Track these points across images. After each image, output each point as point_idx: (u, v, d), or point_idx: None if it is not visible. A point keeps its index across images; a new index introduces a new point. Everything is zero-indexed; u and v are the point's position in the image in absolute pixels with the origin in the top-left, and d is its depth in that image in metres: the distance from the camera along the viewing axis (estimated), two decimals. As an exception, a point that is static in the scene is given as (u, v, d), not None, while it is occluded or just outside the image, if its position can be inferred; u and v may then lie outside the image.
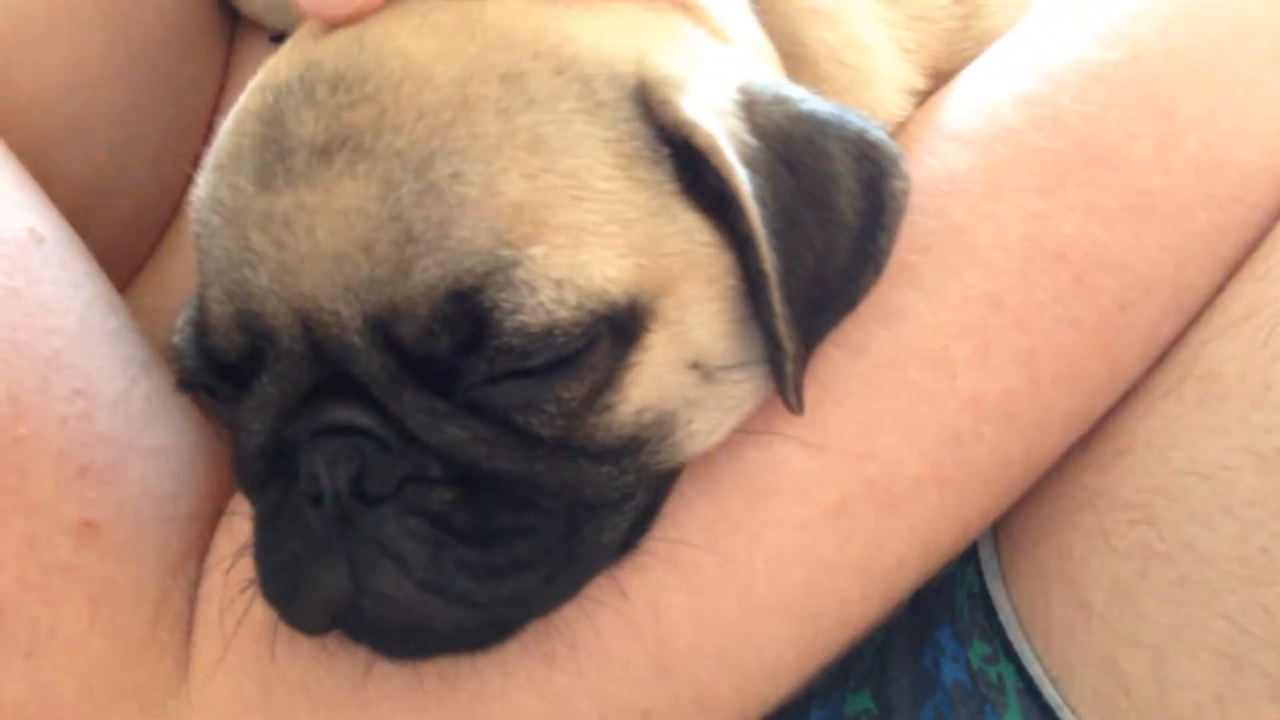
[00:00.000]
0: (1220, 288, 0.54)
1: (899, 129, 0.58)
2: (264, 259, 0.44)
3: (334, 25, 0.47)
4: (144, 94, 0.68)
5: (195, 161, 0.50)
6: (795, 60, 0.57)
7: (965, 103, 0.56)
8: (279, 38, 0.51)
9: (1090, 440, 0.56)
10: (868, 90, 0.58)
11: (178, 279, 0.69)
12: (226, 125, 0.49)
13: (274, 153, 0.45)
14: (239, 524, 0.53)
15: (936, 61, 0.61)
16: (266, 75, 0.49)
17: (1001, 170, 0.53)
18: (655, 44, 0.49)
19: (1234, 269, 0.54)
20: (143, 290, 0.70)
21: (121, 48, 0.66)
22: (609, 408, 0.46)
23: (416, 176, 0.43)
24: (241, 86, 0.50)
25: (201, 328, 0.47)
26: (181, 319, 0.48)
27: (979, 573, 0.61)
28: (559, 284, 0.43)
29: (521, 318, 0.43)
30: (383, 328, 0.43)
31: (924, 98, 0.59)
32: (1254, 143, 0.53)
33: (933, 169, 0.54)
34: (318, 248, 0.43)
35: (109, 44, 0.65)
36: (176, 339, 0.48)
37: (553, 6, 0.48)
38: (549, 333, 0.43)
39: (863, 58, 0.58)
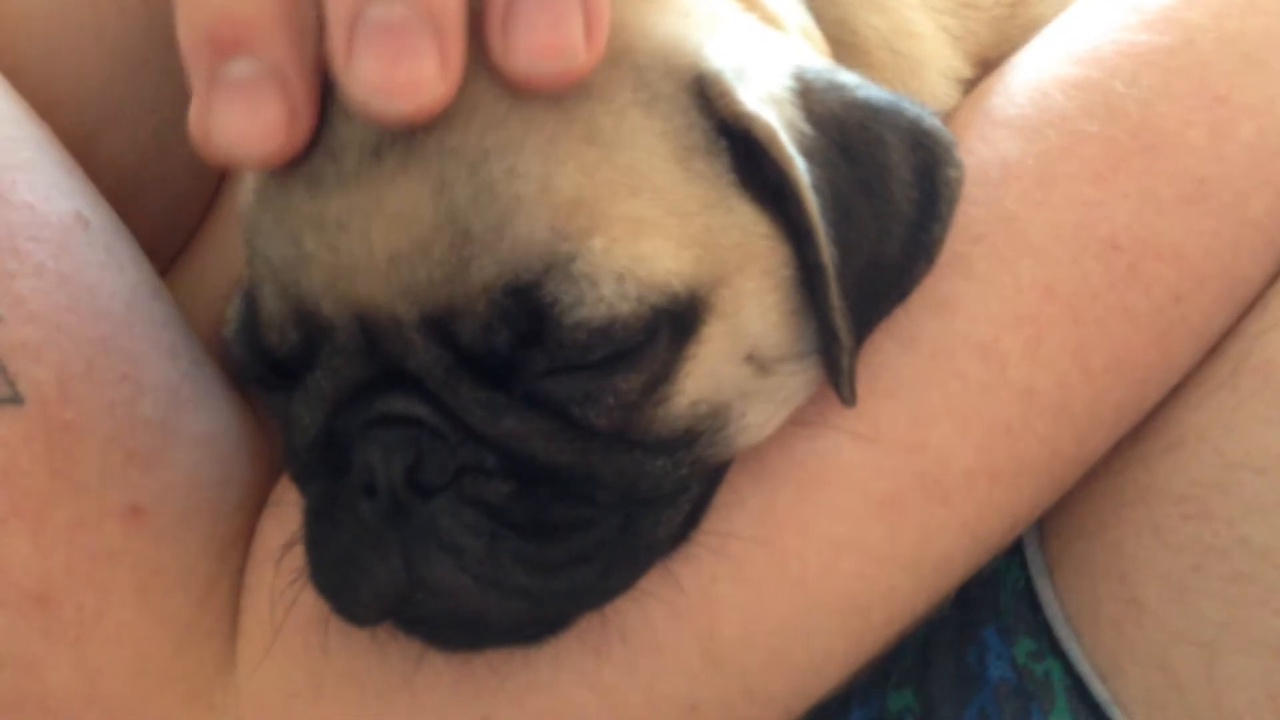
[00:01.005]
0: (1275, 277, 0.53)
1: (948, 117, 0.57)
2: (318, 262, 0.44)
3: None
4: (184, 82, 0.68)
5: None
6: (845, 47, 0.56)
7: (1015, 89, 0.55)
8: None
9: (1141, 433, 0.55)
10: (917, 78, 0.57)
11: (217, 265, 0.69)
12: None
13: (323, 153, 0.44)
14: (287, 513, 0.52)
15: (984, 49, 0.60)
16: None
17: (1053, 157, 0.52)
18: (710, 33, 0.48)
19: None
20: (182, 276, 0.69)
21: (165, 34, 0.65)
22: (665, 400, 0.45)
23: (471, 174, 0.42)
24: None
25: (253, 323, 0.46)
26: (231, 311, 0.48)
27: (1024, 568, 0.61)
28: (620, 277, 0.42)
29: (583, 312, 0.42)
30: (440, 325, 0.43)
31: (971, 86, 0.59)
32: None
33: (984, 157, 0.53)
34: (372, 250, 0.43)
35: (152, 30, 0.64)
36: (227, 332, 0.47)
37: None
38: (610, 326, 0.42)
39: (913, 45, 0.57)
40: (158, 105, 0.65)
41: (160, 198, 0.68)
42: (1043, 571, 0.60)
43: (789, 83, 0.47)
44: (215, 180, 0.71)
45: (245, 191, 0.48)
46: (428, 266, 0.42)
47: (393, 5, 0.38)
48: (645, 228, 0.43)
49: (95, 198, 0.56)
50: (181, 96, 0.68)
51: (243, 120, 0.40)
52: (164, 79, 0.64)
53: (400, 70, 0.39)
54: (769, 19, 0.52)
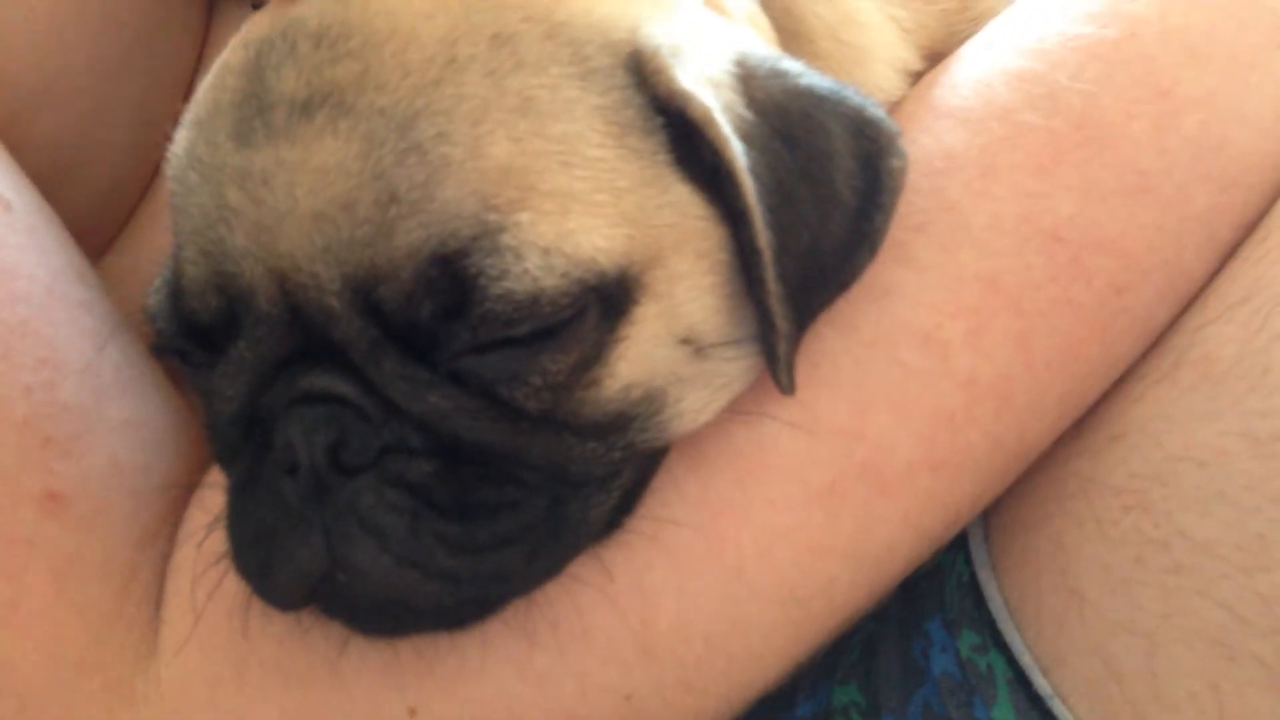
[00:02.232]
0: (1217, 271, 0.53)
1: (894, 108, 0.57)
2: (241, 216, 0.43)
3: None
4: (120, 59, 0.66)
5: (169, 130, 0.49)
6: (791, 36, 0.56)
7: (961, 81, 0.55)
8: (260, 4, 0.49)
9: (1084, 425, 0.55)
10: (864, 68, 0.57)
11: (153, 244, 0.68)
12: (207, 80, 0.47)
13: (254, 108, 0.44)
14: (212, 496, 0.51)
15: (934, 42, 0.60)
16: (249, 30, 0.48)
17: (997, 149, 0.52)
18: (651, 12, 0.48)
19: (1230, 252, 0.53)
20: (117, 260, 0.68)
21: (97, 12, 0.64)
22: (596, 382, 0.45)
23: (400, 135, 0.42)
24: (221, 52, 0.49)
25: (176, 289, 0.45)
26: (157, 281, 0.47)
27: (969, 562, 0.61)
28: (546, 251, 0.42)
29: (507, 284, 0.41)
30: (363, 291, 0.42)
31: (919, 78, 0.59)
32: (1251, 125, 0.52)
33: (928, 147, 0.53)
34: (296, 206, 0.42)
35: (84, 8, 0.63)
36: (150, 301, 0.47)
37: None
38: (535, 301, 0.42)
39: (860, 35, 0.57)
40: (90, 86, 0.64)
41: (94, 179, 0.66)
42: (986, 564, 0.60)
43: (730, 67, 0.47)
44: (153, 163, 0.70)
45: (174, 151, 0.47)
46: (351, 225, 0.42)
47: None
48: (575, 203, 0.43)
49: (19, 179, 0.55)
50: (115, 75, 0.68)
51: None
52: (96, 57, 0.63)
53: None
54: (714, 4, 0.52)
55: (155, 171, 0.71)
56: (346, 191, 0.42)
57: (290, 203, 0.42)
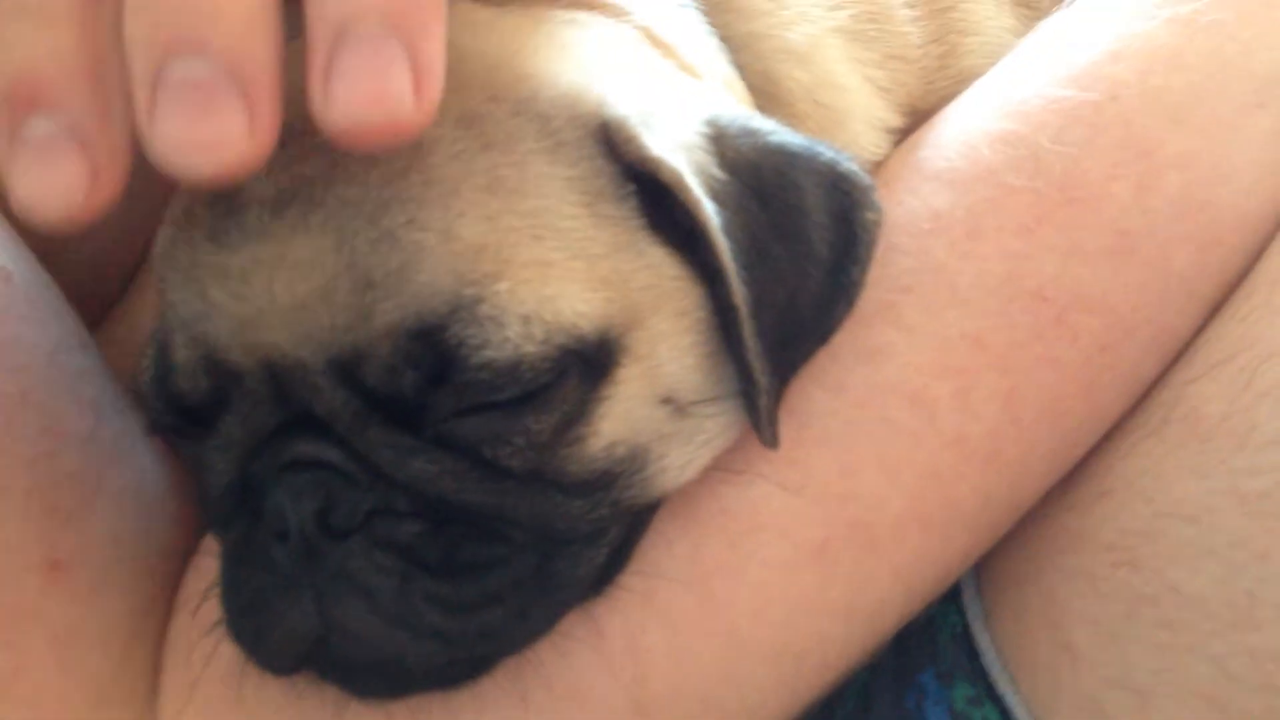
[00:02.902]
0: (1201, 329, 0.54)
1: (878, 167, 0.58)
2: (224, 312, 0.44)
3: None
4: None
5: (167, 198, 0.49)
6: (769, 99, 0.57)
7: (945, 142, 0.56)
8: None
9: (1073, 480, 0.56)
10: (843, 129, 0.58)
11: (149, 315, 0.69)
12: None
13: (226, 208, 0.44)
14: (208, 563, 0.52)
15: (914, 100, 0.61)
16: None
17: (982, 210, 0.53)
18: (619, 80, 0.48)
19: (1215, 310, 0.54)
20: (115, 328, 0.69)
21: None
22: (580, 440, 0.45)
23: (371, 225, 0.43)
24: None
25: (165, 371, 0.46)
26: (145, 361, 0.48)
27: (962, 613, 0.61)
28: (525, 318, 0.43)
29: (488, 353, 0.42)
30: (346, 370, 0.43)
31: (902, 135, 0.59)
32: (1232, 185, 0.53)
33: (913, 208, 0.54)
34: (276, 300, 0.43)
35: None
36: (141, 382, 0.47)
37: (510, 42, 0.48)
38: (516, 367, 0.43)
39: (837, 97, 0.58)
40: None
41: (90, 248, 0.67)
42: (979, 616, 0.60)
43: (701, 128, 0.48)
44: (149, 229, 0.71)
45: (157, 248, 0.48)
46: (330, 313, 0.43)
47: (194, 61, 0.36)
48: (552, 271, 0.44)
49: (18, 249, 0.56)
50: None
51: (41, 180, 0.37)
52: None
53: (203, 128, 0.36)
54: (688, 70, 0.53)
55: (149, 242, 0.72)
56: (324, 283, 0.43)
57: (270, 297, 0.43)
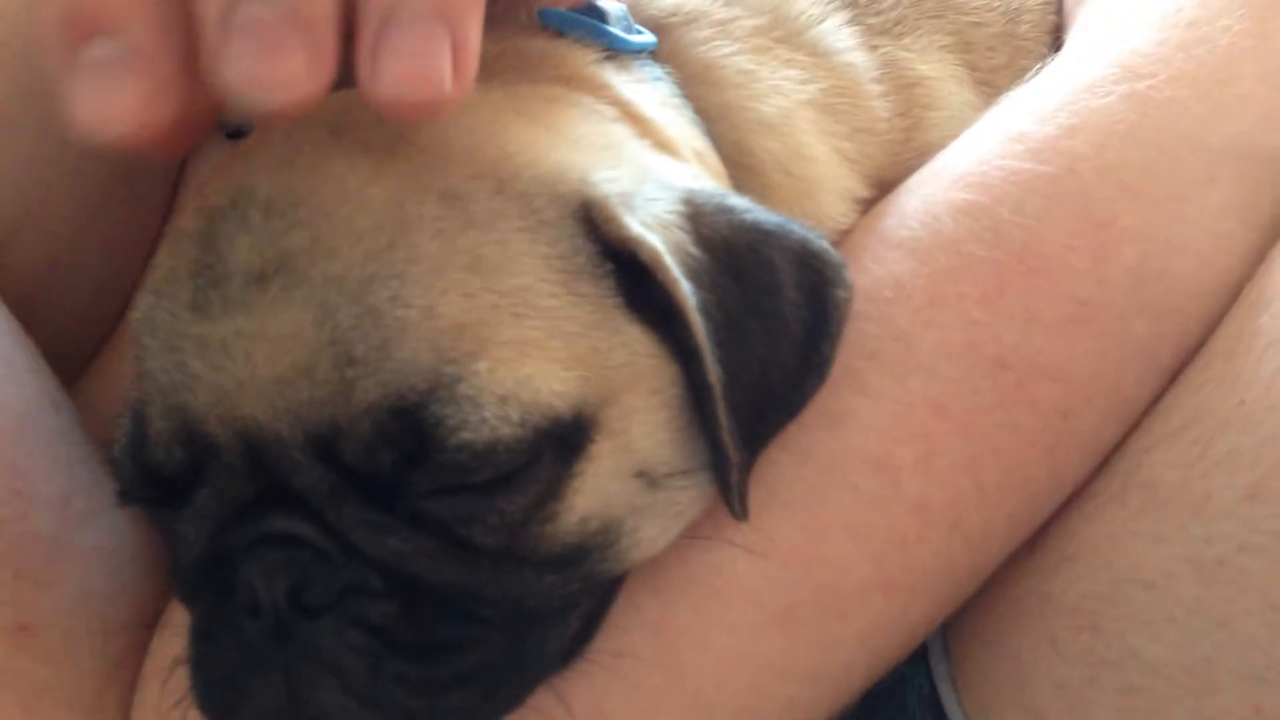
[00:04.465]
0: (1159, 397, 0.55)
1: (844, 236, 0.59)
2: (202, 383, 0.44)
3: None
4: (99, 190, 0.68)
5: (148, 257, 0.50)
6: (742, 169, 0.58)
7: (909, 212, 0.57)
8: (235, 134, 0.51)
9: (1037, 545, 0.56)
10: (813, 199, 0.59)
11: (127, 370, 0.69)
12: (164, 247, 0.48)
13: (209, 279, 0.45)
14: (178, 631, 0.52)
15: (880, 171, 0.62)
16: (201, 197, 0.48)
17: (943, 279, 0.54)
18: (599, 159, 0.49)
19: (1172, 378, 0.55)
20: (92, 385, 0.69)
21: (76, 145, 0.66)
22: (553, 517, 0.46)
23: (354, 301, 0.43)
24: (197, 182, 0.50)
25: (140, 441, 0.46)
26: (120, 431, 0.48)
27: (929, 675, 0.61)
28: (503, 399, 0.43)
29: (465, 435, 0.42)
30: (324, 445, 0.43)
31: (868, 205, 0.61)
32: (1188, 256, 0.54)
33: (878, 276, 0.55)
34: (256, 373, 0.43)
35: (64, 141, 0.65)
36: (115, 451, 0.47)
37: (493, 120, 0.49)
38: (492, 448, 0.43)
39: (808, 168, 0.59)
40: (70, 216, 0.66)
41: (70, 305, 0.68)
42: (946, 679, 0.60)
43: (678, 207, 0.49)
44: (128, 289, 0.72)
45: (136, 315, 0.48)
46: (310, 387, 0.43)
47: (264, 4, 0.39)
48: (530, 350, 0.44)
49: None
50: (95, 204, 0.69)
51: (101, 98, 0.39)
52: (76, 188, 0.65)
53: (269, 66, 0.39)
54: (663, 144, 0.54)
55: (129, 300, 0.72)
56: (305, 357, 0.43)
57: (250, 370, 0.43)
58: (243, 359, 0.43)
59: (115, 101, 0.39)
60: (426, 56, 0.40)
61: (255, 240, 0.44)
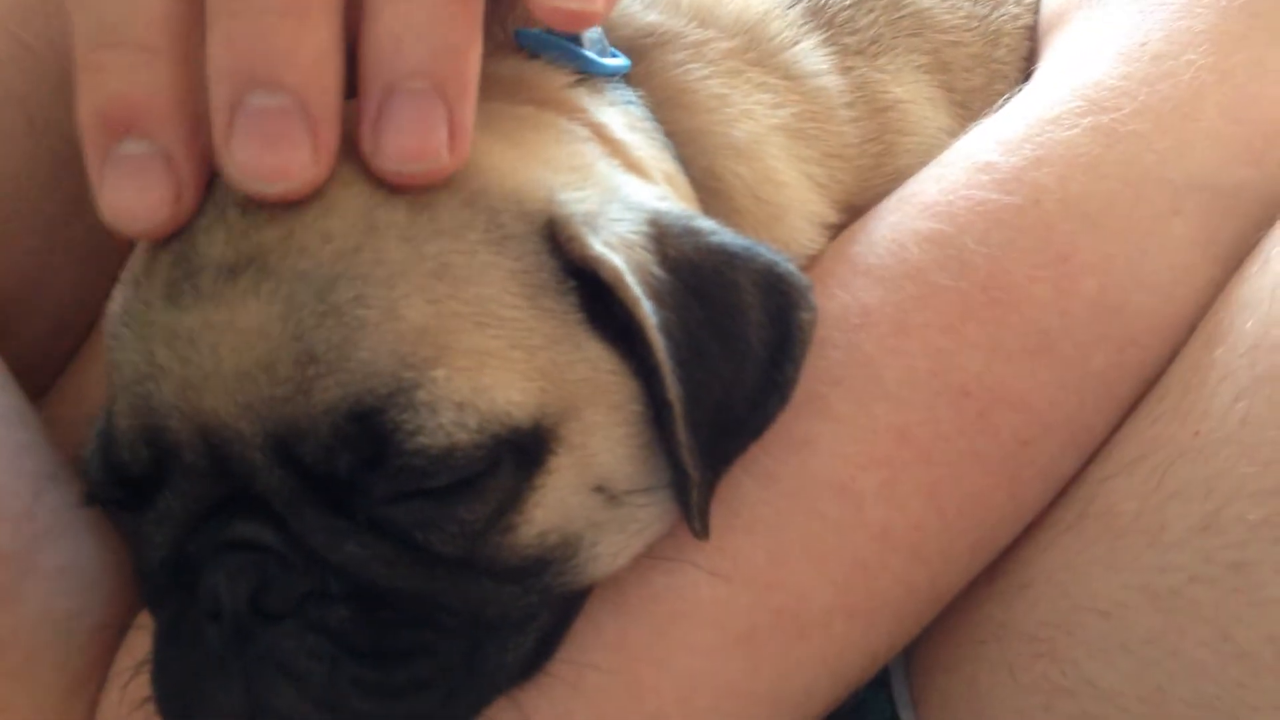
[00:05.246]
0: (1117, 427, 0.55)
1: (813, 261, 0.60)
2: (169, 374, 0.45)
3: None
4: (71, 203, 0.68)
5: (118, 270, 0.50)
6: (711, 194, 0.59)
7: (876, 240, 0.58)
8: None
9: (996, 571, 0.57)
10: (782, 224, 0.60)
11: (96, 390, 0.69)
12: (143, 243, 0.49)
13: (184, 270, 0.45)
14: (142, 638, 0.52)
15: (850, 196, 0.63)
16: None
17: (909, 307, 0.55)
18: (567, 178, 0.50)
19: (1130, 409, 0.55)
20: (60, 400, 0.69)
21: (49, 157, 0.66)
22: (512, 528, 0.46)
23: (319, 299, 0.44)
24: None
25: (108, 440, 0.47)
26: (93, 429, 0.48)
27: (890, 700, 0.62)
28: (460, 406, 0.44)
29: (422, 440, 0.43)
30: (284, 445, 0.44)
31: (837, 230, 0.61)
32: (1148, 289, 0.55)
33: (845, 303, 0.56)
34: (221, 365, 0.44)
35: (37, 153, 0.65)
36: (85, 451, 0.48)
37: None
38: (449, 454, 0.43)
39: (777, 193, 0.60)
40: (40, 228, 0.66)
41: (39, 318, 0.68)
42: (907, 704, 0.61)
43: (643, 227, 0.49)
44: (97, 302, 0.71)
45: (111, 307, 0.49)
46: (272, 384, 0.43)
47: (272, 95, 0.41)
48: (489, 360, 0.45)
49: None
50: (65, 216, 0.69)
51: (131, 196, 0.43)
52: (47, 201, 0.65)
53: (275, 155, 0.42)
54: (632, 165, 0.54)
55: (101, 308, 0.72)
56: (268, 352, 0.43)
57: (215, 362, 0.44)
58: (208, 350, 0.44)
59: (143, 199, 0.44)
60: (425, 133, 0.44)
61: (231, 234, 0.45)
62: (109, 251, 0.70)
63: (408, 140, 0.44)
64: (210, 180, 0.46)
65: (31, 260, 0.67)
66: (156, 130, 0.43)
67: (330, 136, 0.43)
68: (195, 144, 0.44)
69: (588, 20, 0.47)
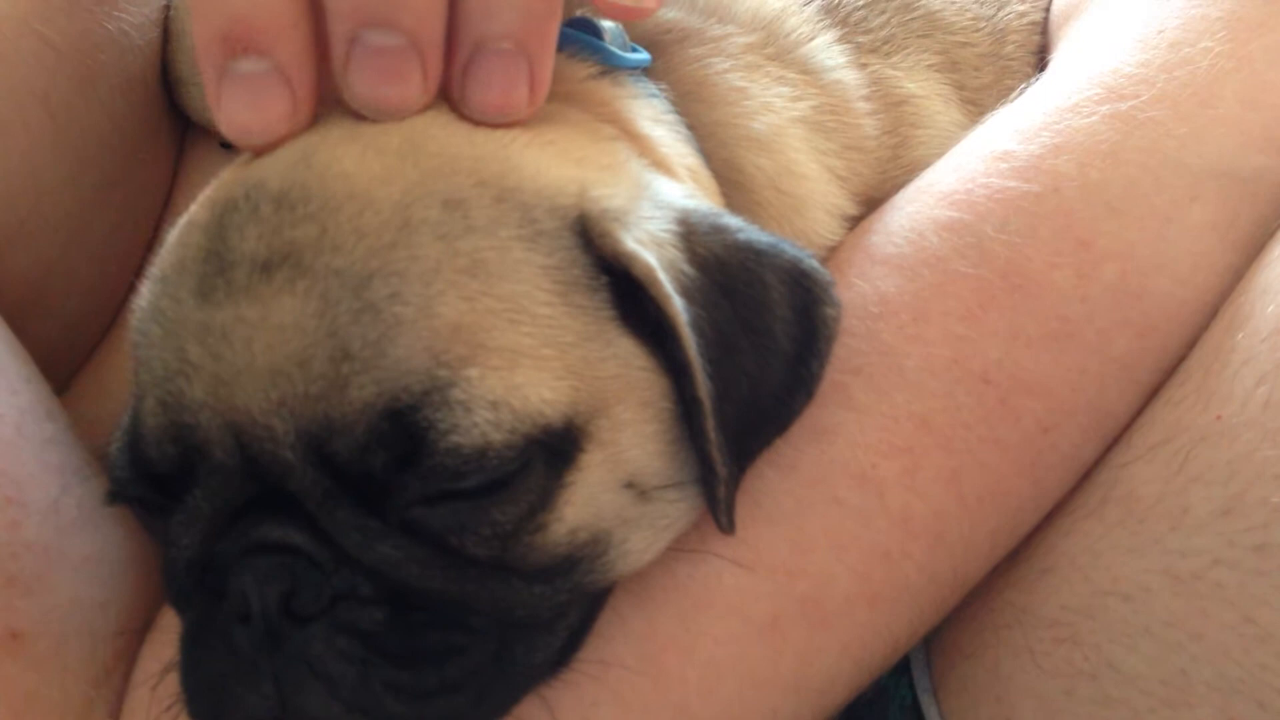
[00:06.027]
0: (1139, 412, 0.56)
1: (831, 253, 0.60)
2: (200, 371, 0.44)
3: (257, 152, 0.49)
4: (92, 198, 0.68)
5: (141, 265, 0.50)
6: (733, 186, 0.59)
7: (895, 229, 0.58)
8: (229, 144, 0.51)
9: (1017, 557, 0.57)
10: (802, 215, 0.60)
11: (120, 385, 0.69)
12: (172, 237, 0.49)
13: (215, 266, 0.45)
14: (167, 638, 0.52)
15: (869, 188, 0.63)
16: (214, 189, 0.49)
17: (928, 295, 0.55)
18: (598, 175, 0.50)
19: (1151, 394, 0.56)
20: (83, 395, 0.69)
21: (71, 153, 0.66)
22: (544, 527, 0.46)
23: (354, 295, 0.44)
24: (191, 191, 0.51)
25: (135, 438, 0.46)
26: (117, 429, 0.48)
27: (911, 687, 0.62)
28: (494, 405, 0.44)
29: (456, 438, 0.43)
30: (317, 444, 0.43)
31: (856, 222, 0.61)
32: (1169, 274, 0.55)
33: (863, 292, 0.56)
34: (254, 362, 0.44)
35: (59, 149, 0.65)
36: (111, 448, 0.48)
37: (498, 134, 0.50)
38: (482, 454, 0.43)
39: (798, 185, 0.60)
40: (62, 223, 0.66)
41: (62, 313, 0.68)
42: (928, 690, 0.61)
43: (672, 225, 0.49)
44: (121, 295, 0.72)
45: (138, 304, 0.49)
46: (306, 381, 0.43)
47: (388, 34, 0.46)
48: (522, 358, 0.45)
49: None
50: (88, 212, 0.70)
51: (249, 111, 0.47)
52: (69, 196, 0.65)
53: (390, 88, 0.47)
54: (660, 163, 0.55)
55: (120, 309, 0.72)
56: (302, 348, 0.43)
57: (248, 358, 0.44)
58: (242, 346, 0.44)
59: (260, 114, 0.47)
60: (508, 88, 0.49)
61: (264, 230, 0.45)
62: (130, 248, 0.71)
63: (494, 95, 0.48)
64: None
65: (55, 256, 0.67)
66: (273, 48, 0.45)
67: (435, 68, 0.47)
68: (310, 63, 0.47)
69: (643, 13, 0.51)
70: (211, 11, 0.45)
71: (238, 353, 0.44)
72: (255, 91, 0.46)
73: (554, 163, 0.50)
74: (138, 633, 0.55)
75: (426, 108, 0.48)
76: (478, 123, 0.49)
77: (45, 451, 0.54)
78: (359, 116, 0.49)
